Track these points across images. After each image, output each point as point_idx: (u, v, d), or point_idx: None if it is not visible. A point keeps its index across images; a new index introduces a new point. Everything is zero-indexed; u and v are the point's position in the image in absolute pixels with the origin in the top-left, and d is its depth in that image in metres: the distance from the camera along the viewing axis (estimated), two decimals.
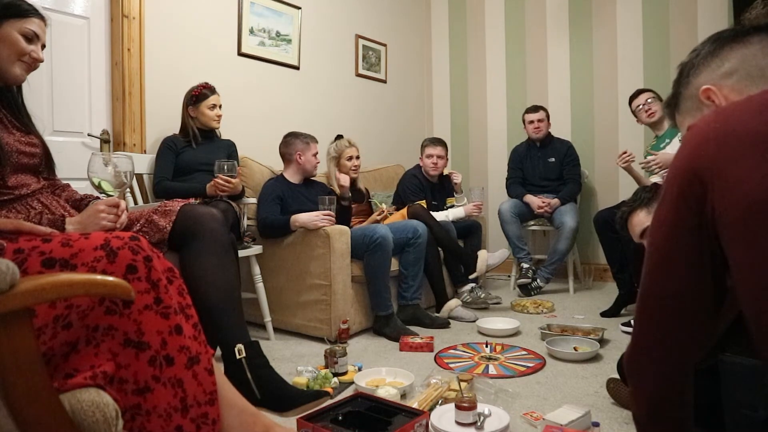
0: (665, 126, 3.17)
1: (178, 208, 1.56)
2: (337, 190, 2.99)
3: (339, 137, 3.28)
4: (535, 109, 3.82)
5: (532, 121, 3.79)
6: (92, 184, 1.49)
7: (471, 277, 3.23)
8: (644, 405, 0.91)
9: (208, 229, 1.55)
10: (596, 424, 1.61)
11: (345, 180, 2.91)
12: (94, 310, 0.94)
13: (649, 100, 3.17)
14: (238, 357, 1.49)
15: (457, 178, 3.59)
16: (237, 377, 1.48)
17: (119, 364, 0.94)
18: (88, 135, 2.61)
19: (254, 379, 1.48)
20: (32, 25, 1.39)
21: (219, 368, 1.12)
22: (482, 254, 3.22)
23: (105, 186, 1.47)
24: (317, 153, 2.91)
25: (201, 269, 1.52)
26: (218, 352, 1.73)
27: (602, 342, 2.46)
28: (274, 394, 1.48)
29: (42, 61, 1.44)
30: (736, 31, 0.87)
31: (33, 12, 1.40)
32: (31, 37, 1.39)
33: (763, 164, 0.66)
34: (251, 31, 3.29)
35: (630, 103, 3.30)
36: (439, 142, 3.57)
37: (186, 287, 1.13)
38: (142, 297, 0.98)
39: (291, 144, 2.89)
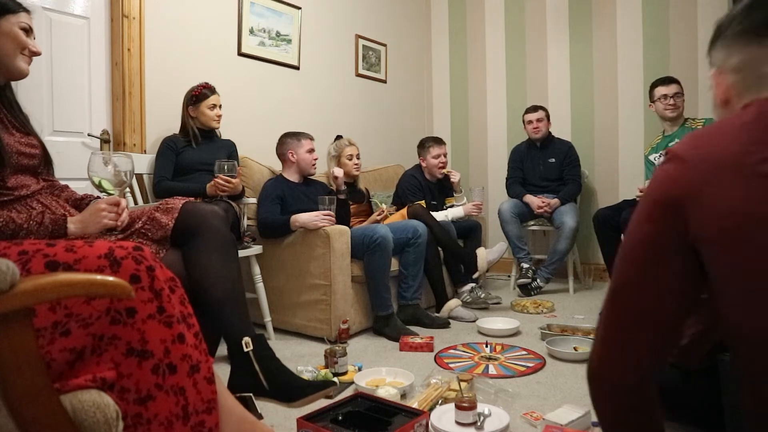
0: (679, 124, 3.13)
1: (180, 205, 1.57)
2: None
3: (338, 138, 3.28)
4: (534, 109, 3.82)
5: (531, 121, 3.78)
6: (92, 183, 1.49)
7: (474, 276, 3.23)
8: (608, 415, 0.92)
9: (210, 226, 1.56)
10: (596, 424, 1.61)
11: (339, 172, 2.92)
12: (100, 319, 0.94)
13: (678, 94, 3.05)
14: (245, 350, 1.49)
15: (455, 177, 3.59)
16: (245, 369, 1.49)
17: (121, 373, 0.95)
18: (88, 135, 2.61)
19: (262, 370, 1.48)
20: (25, 18, 1.42)
21: (218, 377, 1.12)
22: (481, 252, 3.22)
23: (105, 185, 1.47)
24: (313, 149, 2.90)
25: (204, 266, 1.52)
26: (219, 353, 1.74)
27: None
28: (282, 384, 1.48)
29: (40, 54, 1.45)
30: (757, 25, 0.82)
31: (21, 7, 1.44)
32: (28, 31, 1.42)
33: (736, 182, 0.70)
34: (251, 31, 3.29)
35: (653, 87, 3.18)
36: (442, 140, 3.59)
37: (187, 294, 1.13)
38: (145, 306, 0.98)
39: (284, 143, 2.91)
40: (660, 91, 3.12)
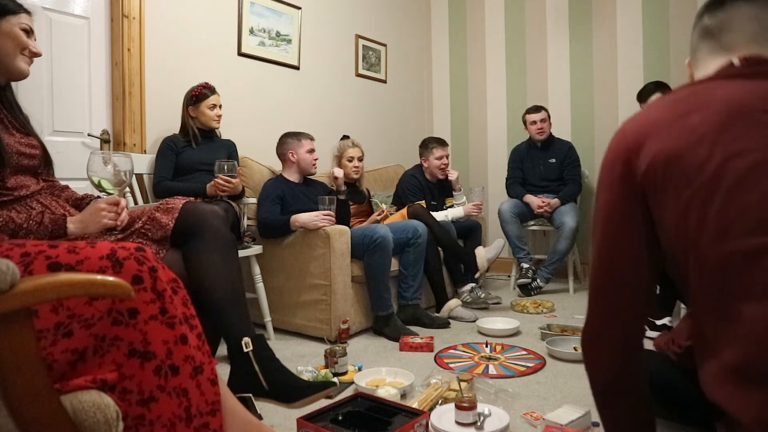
0: None
1: (180, 205, 1.57)
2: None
3: (344, 137, 3.28)
4: (537, 109, 3.80)
5: (534, 122, 3.77)
6: (92, 183, 1.49)
7: (475, 276, 3.23)
8: (599, 381, 1.00)
9: (210, 226, 1.56)
10: (596, 424, 1.61)
11: (338, 172, 2.92)
12: (101, 320, 0.94)
13: None
14: (245, 350, 1.49)
15: (452, 175, 3.59)
16: (244, 369, 1.48)
17: (123, 375, 0.94)
18: (88, 135, 2.61)
19: (261, 371, 1.48)
20: (26, 20, 1.43)
21: (222, 379, 1.12)
22: (480, 251, 3.22)
23: (105, 185, 1.47)
24: (313, 150, 2.90)
25: (205, 266, 1.52)
26: (219, 353, 1.74)
27: None
28: (282, 384, 1.48)
29: (40, 55, 1.46)
30: (696, 18, 1.01)
31: (22, 8, 1.44)
32: (28, 32, 1.42)
33: (667, 133, 0.86)
34: (251, 31, 3.28)
35: (639, 101, 3.18)
36: (445, 142, 3.58)
37: (190, 294, 1.13)
38: (147, 307, 0.98)
39: (284, 143, 2.91)
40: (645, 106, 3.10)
